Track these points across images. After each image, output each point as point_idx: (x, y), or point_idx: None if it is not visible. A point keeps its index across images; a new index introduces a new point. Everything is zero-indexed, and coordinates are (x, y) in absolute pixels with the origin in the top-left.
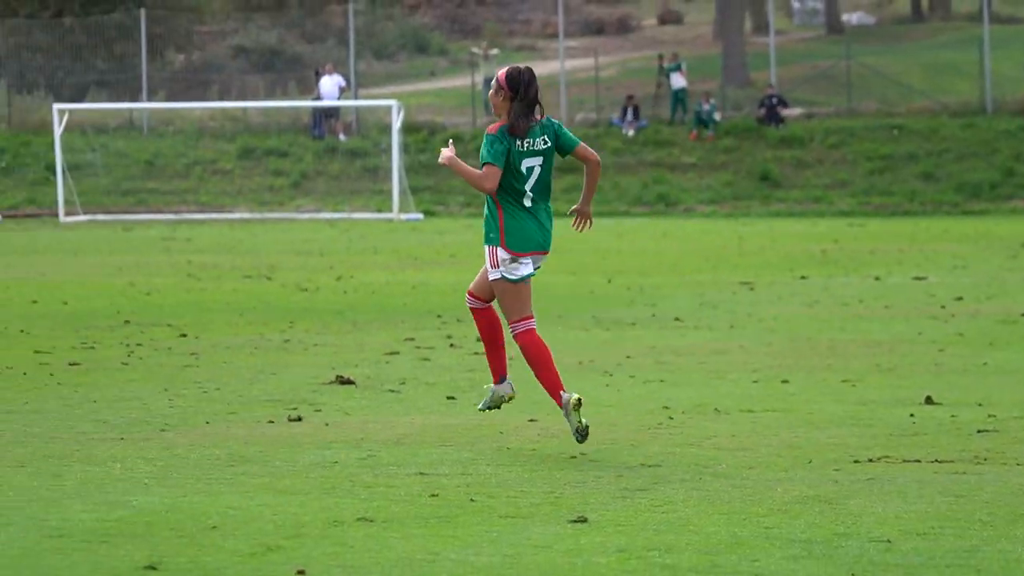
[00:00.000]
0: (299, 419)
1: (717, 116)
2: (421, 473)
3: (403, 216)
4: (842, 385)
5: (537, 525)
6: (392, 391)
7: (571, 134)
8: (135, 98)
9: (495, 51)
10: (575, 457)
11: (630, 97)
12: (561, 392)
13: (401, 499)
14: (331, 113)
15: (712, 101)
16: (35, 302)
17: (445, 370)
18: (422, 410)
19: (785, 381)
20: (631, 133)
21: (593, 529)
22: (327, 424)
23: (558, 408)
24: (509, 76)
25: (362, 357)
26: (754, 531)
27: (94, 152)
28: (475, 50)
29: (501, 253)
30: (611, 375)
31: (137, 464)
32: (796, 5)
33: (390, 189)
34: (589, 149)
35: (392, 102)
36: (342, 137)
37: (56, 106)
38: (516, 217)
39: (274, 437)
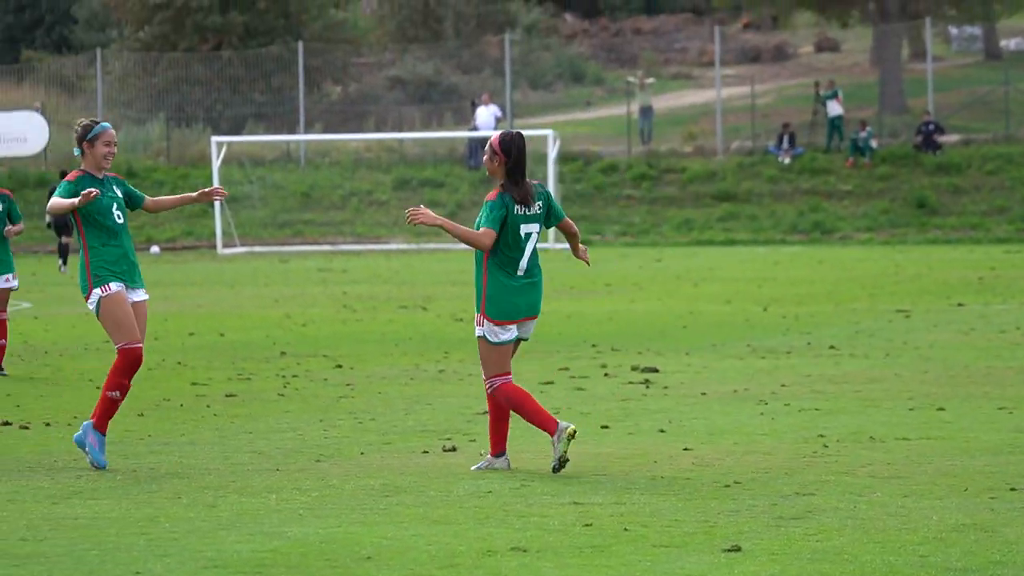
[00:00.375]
0: (453, 449)
1: (873, 143)
2: (575, 502)
3: (558, 245)
4: (998, 413)
5: (691, 554)
6: None
7: (559, 204)
8: (292, 130)
9: (651, 80)
10: (729, 486)
11: (786, 125)
12: (557, 421)
13: (555, 529)
14: (487, 143)
15: (868, 128)
16: (192, 334)
17: (599, 399)
18: (576, 439)
19: (941, 409)
20: (787, 161)
21: (747, 558)
22: (482, 454)
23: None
24: (502, 141)
25: None
26: (909, 559)
27: (252, 184)
28: (631, 79)
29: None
30: (766, 403)
31: (292, 495)
32: (954, 31)
33: None
34: (571, 221)
35: (548, 132)
36: None
37: (214, 139)
38: (501, 286)
39: (429, 467)
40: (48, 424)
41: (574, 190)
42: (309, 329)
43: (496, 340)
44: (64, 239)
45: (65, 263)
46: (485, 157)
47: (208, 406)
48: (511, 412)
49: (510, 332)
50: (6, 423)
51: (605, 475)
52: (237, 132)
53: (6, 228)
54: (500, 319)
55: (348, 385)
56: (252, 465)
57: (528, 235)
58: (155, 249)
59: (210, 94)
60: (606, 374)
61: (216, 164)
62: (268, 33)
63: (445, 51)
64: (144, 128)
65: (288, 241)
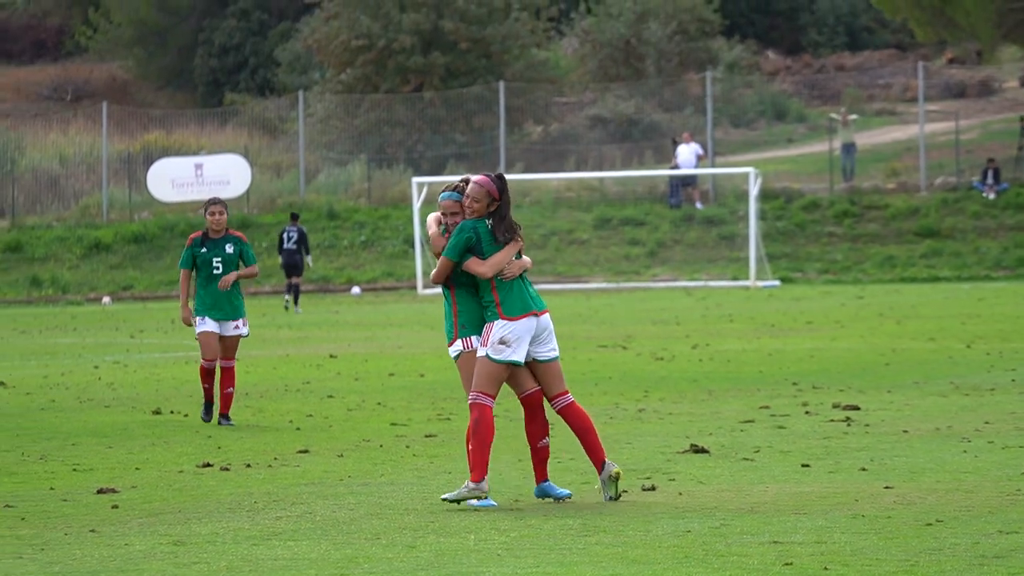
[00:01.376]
0: (653, 488)
1: None
2: (774, 542)
3: (760, 283)
4: None
5: None
6: (746, 459)
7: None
8: (493, 170)
9: (854, 116)
10: (931, 524)
11: (991, 160)
12: (483, 477)
13: (754, 568)
14: (688, 181)
15: None
16: (392, 375)
17: (800, 438)
18: (776, 478)
19: None
20: (992, 196)
21: None
22: (681, 493)
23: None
24: (499, 186)
25: (717, 425)
26: None
27: None
28: (834, 115)
29: (497, 328)
30: (969, 441)
31: (491, 535)
32: None
33: (747, 256)
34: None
35: (749, 169)
36: (699, 205)
37: (415, 180)
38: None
39: (628, 506)
40: (248, 465)
41: (775, 227)
42: None
43: (498, 357)
44: (294, 279)
45: (296, 302)
46: (471, 199)
47: (407, 447)
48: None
49: (516, 351)
50: (207, 464)
51: (805, 514)
52: (438, 172)
53: (224, 277)
54: (518, 313)
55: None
56: (451, 505)
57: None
58: (356, 290)
59: (411, 135)
60: (807, 412)
61: (417, 205)
62: (469, 73)
63: (646, 89)
64: (345, 169)
65: None
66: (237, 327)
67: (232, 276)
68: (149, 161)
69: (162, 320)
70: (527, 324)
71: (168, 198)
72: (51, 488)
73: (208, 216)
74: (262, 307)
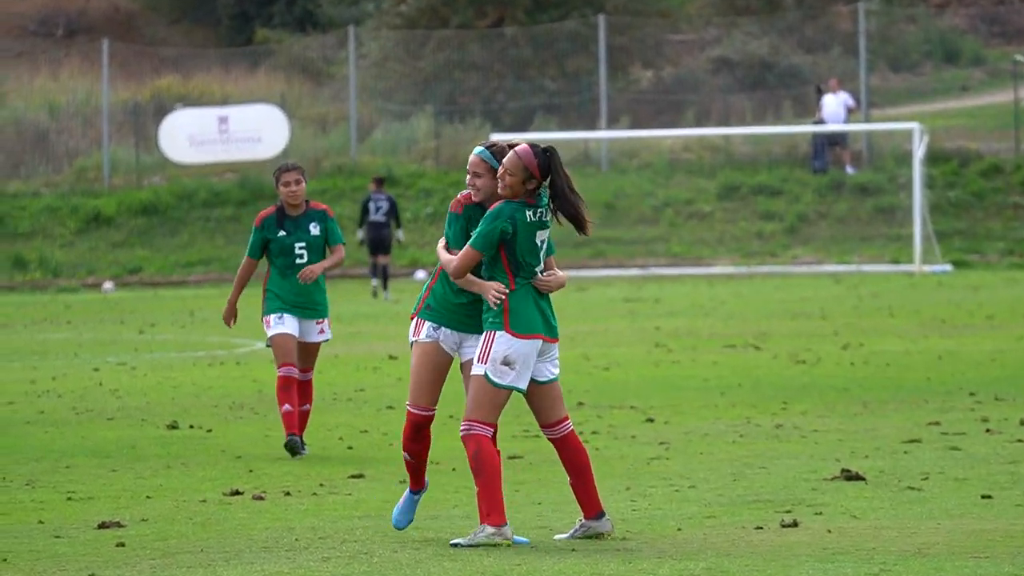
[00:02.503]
0: (794, 524)
1: None
2: None
3: (927, 268)
4: None
5: None
6: (911, 488)
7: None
8: (591, 125)
9: None
10: None
11: None
12: (503, 520)
13: None
14: (836, 140)
15: None
16: None
17: (979, 462)
18: (950, 513)
19: None
20: None
21: None
22: (829, 531)
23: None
24: (542, 163)
25: (874, 446)
26: None
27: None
28: (1019, 58)
29: (499, 342)
30: None
31: None
32: None
33: (910, 234)
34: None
35: (913, 125)
36: (849, 170)
37: (494, 137)
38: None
39: (763, 546)
40: (288, 494)
41: (946, 198)
42: (613, 373)
43: (500, 382)
44: (382, 259)
45: (386, 287)
46: (506, 171)
47: None
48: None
49: (520, 377)
50: (236, 492)
51: (987, 557)
52: (522, 128)
53: (309, 267)
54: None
55: (662, 444)
56: (541, 544)
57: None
58: (420, 274)
59: (489, 81)
60: (988, 430)
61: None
62: (561, 5)
63: (783, 25)
64: (407, 124)
65: (586, 263)
66: (322, 330)
67: (318, 268)
68: (161, 113)
69: (178, 311)
70: (533, 345)
71: (185, 159)
72: (40, 522)
73: (281, 187)
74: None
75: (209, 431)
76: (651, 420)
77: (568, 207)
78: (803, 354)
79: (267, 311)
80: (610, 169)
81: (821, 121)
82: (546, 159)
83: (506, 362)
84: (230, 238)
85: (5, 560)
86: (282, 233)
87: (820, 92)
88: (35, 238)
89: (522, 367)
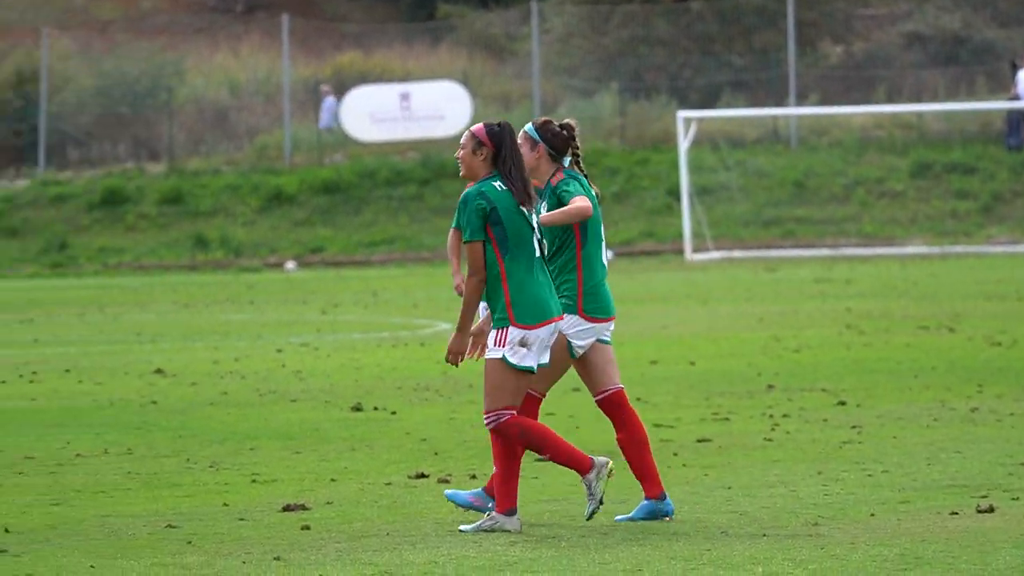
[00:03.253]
0: (991, 509)
1: None
2: None
3: None
4: None
5: None
6: None
7: None
8: (780, 102)
9: None
10: None
11: None
12: (592, 458)
13: None
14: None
15: None
16: (655, 363)
17: None
18: None
19: None
20: None
21: None
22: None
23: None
24: (491, 135)
25: None
26: None
27: (728, 171)
28: None
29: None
30: None
31: (783, 567)
32: None
33: None
34: None
35: None
36: None
37: (681, 114)
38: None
39: (958, 532)
40: (474, 476)
41: None
42: (803, 356)
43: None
44: None
45: None
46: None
47: (675, 454)
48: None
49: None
50: (421, 475)
51: None
52: (710, 105)
53: None
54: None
55: (854, 427)
56: (732, 529)
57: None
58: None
59: (676, 57)
60: None
61: (684, 146)
62: None
63: None
64: (592, 101)
65: (776, 243)
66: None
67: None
68: (342, 90)
69: (361, 291)
70: (547, 330)
71: (367, 136)
72: (225, 504)
73: None
74: None
75: (393, 413)
76: (843, 403)
77: (514, 180)
78: (999, 336)
79: None
80: (799, 147)
81: (1016, 97)
82: (498, 130)
83: (523, 343)
84: (413, 217)
85: (190, 543)
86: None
87: (1015, 67)
88: (216, 217)
89: (539, 349)
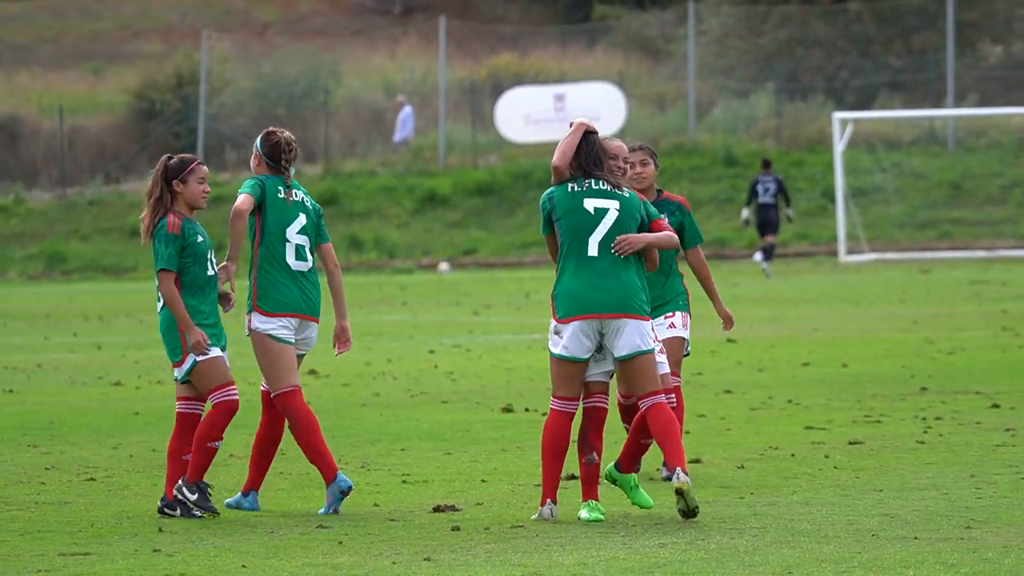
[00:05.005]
0: None
1: None
2: None
3: None
4: None
5: None
6: None
7: None
8: (938, 103)
9: None
10: None
11: None
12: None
13: None
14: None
15: None
16: (807, 365)
17: None
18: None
19: None
20: None
21: None
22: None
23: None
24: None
25: None
26: None
27: (884, 173)
28: None
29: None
30: None
31: (935, 570)
32: None
33: None
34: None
35: None
36: None
37: (837, 115)
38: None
39: None
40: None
41: None
42: (957, 358)
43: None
44: (770, 238)
45: (769, 260)
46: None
47: (827, 456)
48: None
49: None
50: (572, 477)
51: None
52: (866, 106)
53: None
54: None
55: (1008, 431)
56: (883, 532)
57: None
58: (444, 267)
59: (833, 58)
60: None
61: (839, 147)
62: None
63: None
64: (748, 102)
65: (931, 245)
66: (672, 324)
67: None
68: (497, 91)
69: (514, 293)
70: (578, 326)
71: (522, 138)
72: (375, 504)
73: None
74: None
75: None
76: (997, 406)
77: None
78: None
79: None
80: (957, 148)
81: None
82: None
83: (556, 331)
84: None
85: (340, 543)
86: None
87: None
88: (371, 218)
89: (570, 339)
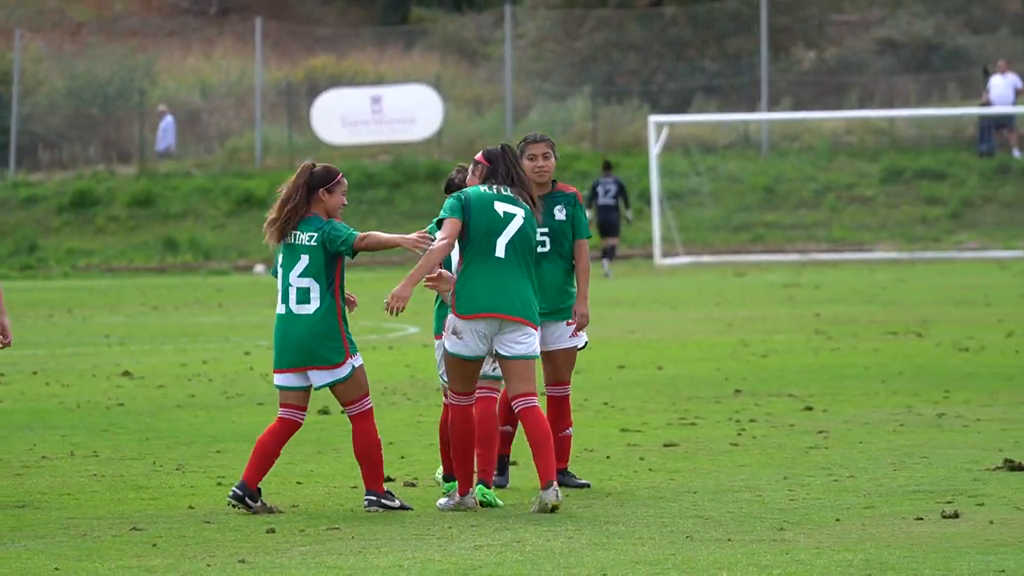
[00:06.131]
0: (955, 515)
1: None
2: None
3: None
4: None
5: None
6: None
7: None
8: (752, 107)
9: None
10: None
11: None
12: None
13: None
14: (1003, 123)
15: None
16: (622, 367)
17: None
18: None
19: None
20: None
21: None
22: (991, 522)
23: None
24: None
25: None
26: None
27: (699, 176)
28: None
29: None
30: None
31: (748, 572)
32: None
33: None
34: None
35: None
36: (1016, 153)
37: (653, 118)
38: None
39: (923, 538)
40: (439, 482)
41: None
42: (771, 360)
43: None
44: (611, 240)
45: (610, 260)
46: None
47: (642, 458)
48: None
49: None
50: (387, 479)
51: None
52: (682, 110)
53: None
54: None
55: (820, 433)
56: (697, 533)
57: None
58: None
59: (648, 62)
60: None
61: (655, 150)
62: None
63: (950, 5)
64: (564, 105)
65: (745, 248)
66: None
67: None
68: (314, 93)
69: None
70: (477, 323)
71: (338, 139)
72: (190, 507)
73: (526, 161)
74: None
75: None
76: (810, 408)
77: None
78: (966, 342)
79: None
80: (771, 152)
81: (988, 103)
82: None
83: (455, 331)
84: (383, 220)
85: (155, 545)
86: None
87: (987, 74)
88: (186, 219)
89: (469, 338)
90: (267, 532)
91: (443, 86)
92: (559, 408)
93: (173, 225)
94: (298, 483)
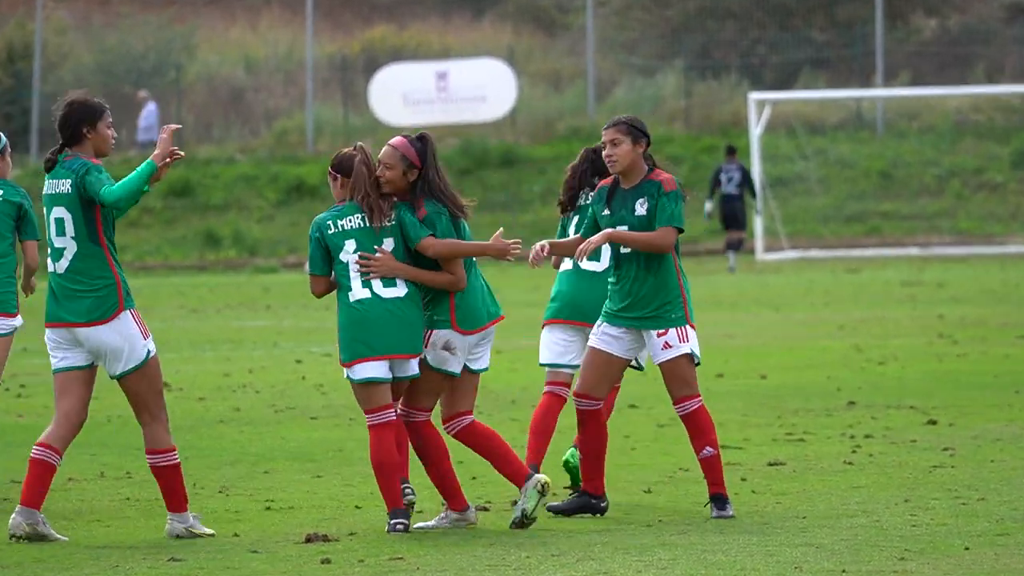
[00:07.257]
0: None
1: None
2: None
3: None
4: None
5: None
6: None
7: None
8: (866, 83)
9: None
10: None
11: None
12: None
13: None
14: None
15: None
16: (721, 375)
17: None
18: None
19: None
20: None
21: None
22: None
23: None
24: (419, 150)
25: None
26: None
27: (806, 160)
28: None
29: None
30: None
31: None
32: None
33: None
34: None
35: None
36: None
37: (753, 96)
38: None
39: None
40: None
41: None
42: (889, 368)
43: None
44: (736, 234)
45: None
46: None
47: (744, 479)
48: None
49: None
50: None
51: None
52: (787, 85)
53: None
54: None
55: (946, 450)
56: (807, 564)
57: None
58: None
59: (748, 32)
60: None
61: (756, 132)
62: None
63: None
64: (654, 81)
65: (859, 242)
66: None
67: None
68: (372, 68)
69: None
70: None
71: (400, 120)
72: (236, 534)
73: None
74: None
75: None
76: (933, 422)
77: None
78: None
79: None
80: (886, 133)
81: None
82: (423, 147)
83: (447, 347)
84: None
85: None
86: (606, 212)
87: None
88: (229, 211)
89: (461, 354)
90: (321, 563)
91: (517, 60)
92: (689, 427)
93: (214, 217)
94: (357, 507)
